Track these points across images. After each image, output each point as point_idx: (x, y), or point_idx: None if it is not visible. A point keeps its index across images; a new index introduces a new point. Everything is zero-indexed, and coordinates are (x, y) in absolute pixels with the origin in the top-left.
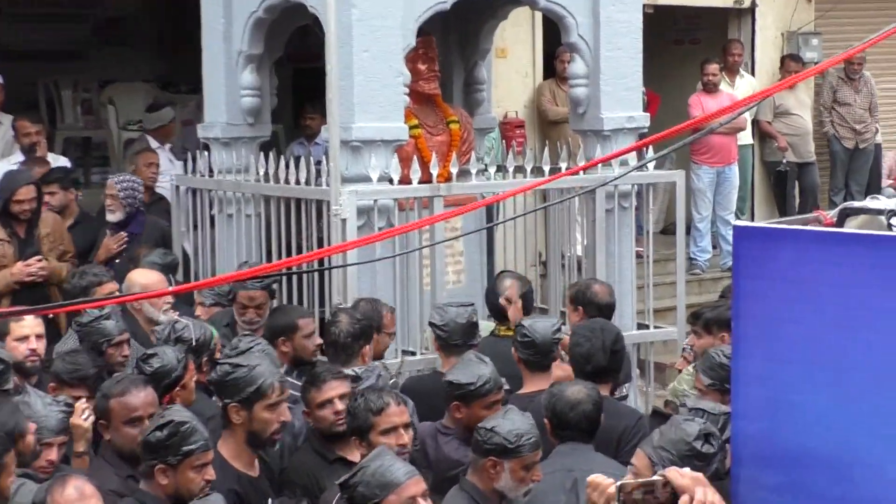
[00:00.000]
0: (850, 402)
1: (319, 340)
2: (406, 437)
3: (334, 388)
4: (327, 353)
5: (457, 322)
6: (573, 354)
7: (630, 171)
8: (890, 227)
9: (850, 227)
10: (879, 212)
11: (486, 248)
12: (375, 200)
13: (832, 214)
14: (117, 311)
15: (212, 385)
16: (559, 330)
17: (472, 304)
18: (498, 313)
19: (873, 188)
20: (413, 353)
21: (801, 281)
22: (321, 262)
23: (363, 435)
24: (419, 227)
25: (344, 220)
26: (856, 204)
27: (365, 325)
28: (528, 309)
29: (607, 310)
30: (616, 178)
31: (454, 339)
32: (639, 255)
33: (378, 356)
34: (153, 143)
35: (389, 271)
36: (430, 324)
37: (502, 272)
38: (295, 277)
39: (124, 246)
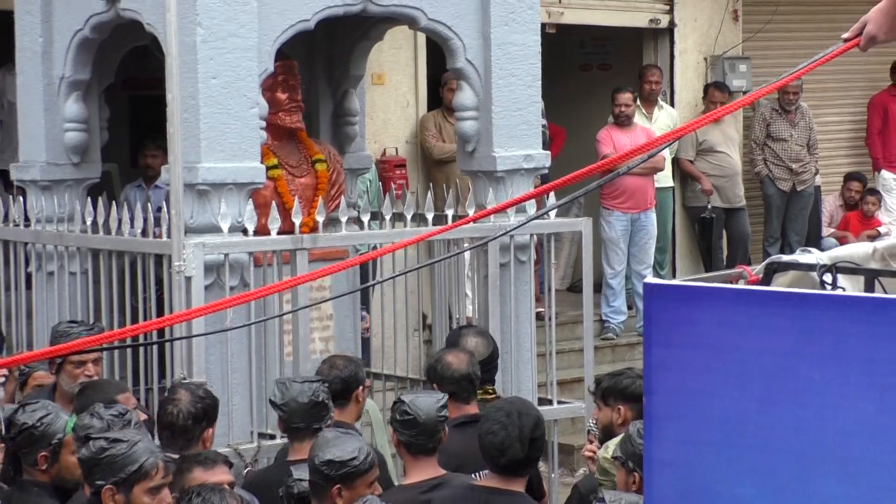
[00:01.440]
0: (778, 492)
1: (144, 416)
2: None
3: (224, 473)
4: (161, 437)
5: (298, 402)
6: (484, 444)
7: (529, 221)
8: (822, 284)
9: (778, 284)
10: (811, 267)
11: (360, 310)
12: (226, 255)
13: (758, 270)
14: None
15: (82, 464)
16: (444, 407)
17: (320, 381)
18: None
19: (813, 237)
20: (272, 437)
21: (722, 348)
22: (161, 331)
23: None
24: (280, 290)
25: (188, 279)
26: (784, 258)
27: (209, 404)
28: (490, 374)
29: (465, 382)
30: (513, 230)
31: (294, 421)
32: (539, 317)
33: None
34: None
35: (244, 339)
36: (271, 402)
37: (463, 328)
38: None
39: None
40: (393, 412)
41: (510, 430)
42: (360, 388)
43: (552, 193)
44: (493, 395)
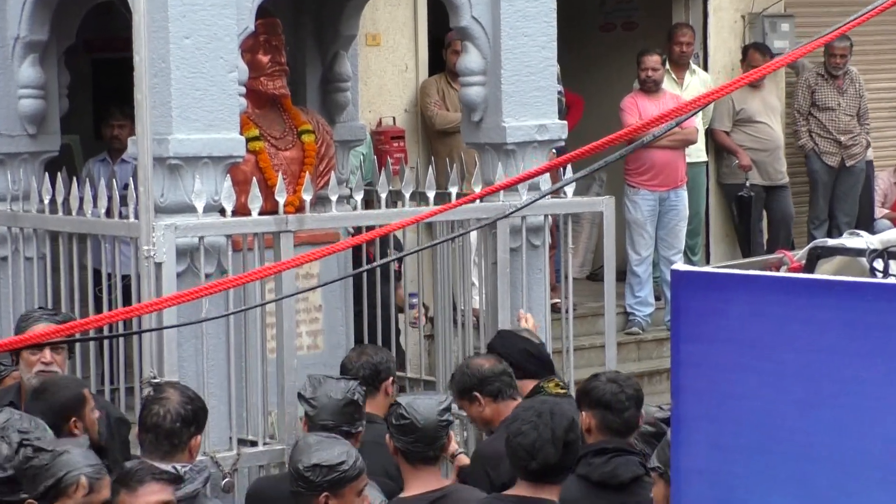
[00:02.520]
0: (818, 502)
1: (98, 413)
2: None
3: (153, 493)
4: (143, 442)
5: (330, 397)
6: (512, 447)
7: (541, 198)
8: (873, 271)
9: (823, 271)
10: (860, 252)
11: (353, 301)
12: (201, 238)
13: (800, 256)
14: None
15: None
16: (448, 410)
17: (358, 381)
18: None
19: (864, 218)
20: (254, 443)
21: (758, 344)
22: (127, 323)
23: None
24: (262, 277)
25: (159, 265)
26: (830, 242)
27: (199, 408)
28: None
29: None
30: (522, 206)
31: (322, 418)
32: (555, 309)
33: None
34: None
35: (221, 333)
36: (299, 395)
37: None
38: (92, 342)
39: None
40: (389, 416)
41: (542, 430)
42: (390, 379)
43: (569, 168)
44: (565, 391)
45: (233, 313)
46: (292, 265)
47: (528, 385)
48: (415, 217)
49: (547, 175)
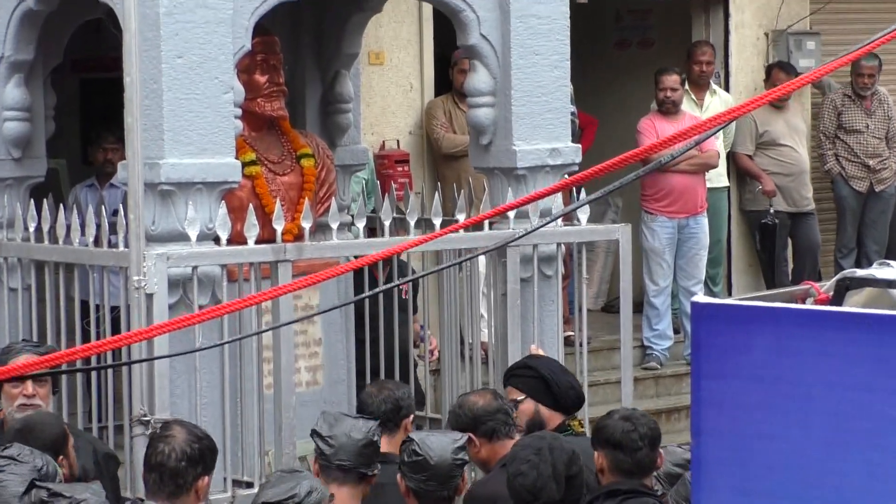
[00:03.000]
0: None
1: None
2: None
3: None
4: (146, 481)
5: (350, 436)
6: (514, 489)
7: (550, 222)
8: None
9: (852, 303)
10: (890, 284)
11: (354, 334)
12: (194, 268)
13: (827, 287)
14: None
15: None
16: (463, 449)
17: (376, 421)
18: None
19: (895, 247)
20: (249, 485)
21: (784, 380)
22: (116, 354)
23: None
24: (257, 302)
25: (150, 296)
26: (859, 272)
27: (207, 447)
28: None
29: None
30: (529, 232)
31: (340, 458)
32: (569, 342)
33: None
34: None
35: (216, 369)
36: (313, 433)
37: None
38: (80, 374)
39: None
40: (401, 454)
41: (542, 468)
42: (411, 416)
43: (581, 190)
44: (583, 430)
45: (228, 342)
46: (290, 290)
47: (556, 419)
48: (413, 241)
49: (560, 202)
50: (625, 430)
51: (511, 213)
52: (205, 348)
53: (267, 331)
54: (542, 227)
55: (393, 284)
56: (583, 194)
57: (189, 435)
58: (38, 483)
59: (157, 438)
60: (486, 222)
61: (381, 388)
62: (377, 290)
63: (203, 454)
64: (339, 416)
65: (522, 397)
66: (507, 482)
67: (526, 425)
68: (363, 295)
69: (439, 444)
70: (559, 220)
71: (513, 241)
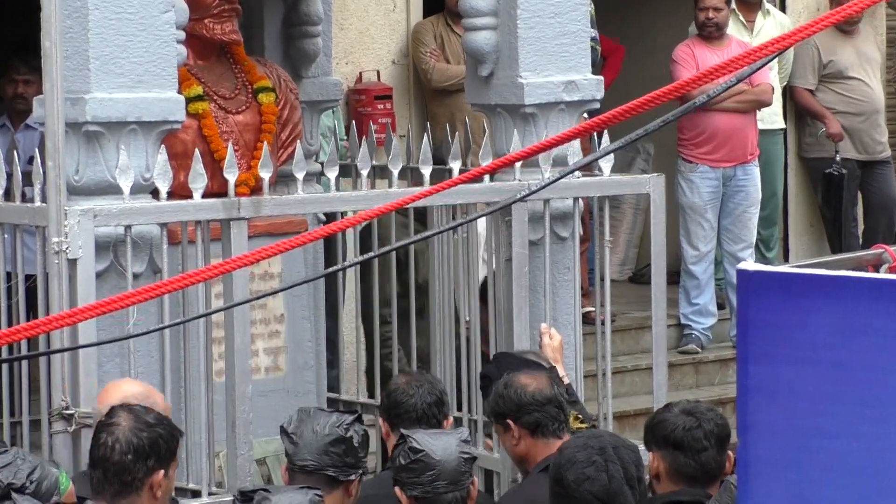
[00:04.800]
0: None
1: None
2: None
3: None
4: (91, 478)
5: (316, 433)
6: (579, 498)
7: (565, 176)
8: None
9: None
10: None
11: (326, 309)
12: (128, 227)
13: None
14: None
15: None
16: (468, 442)
17: (358, 415)
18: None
19: None
20: (196, 494)
21: (852, 366)
22: (32, 340)
23: None
24: (208, 278)
25: (73, 262)
26: None
27: (160, 435)
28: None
29: (552, 408)
30: (541, 187)
31: (301, 457)
32: (588, 320)
33: None
34: None
35: (155, 352)
36: (282, 430)
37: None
38: None
39: None
40: (394, 457)
41: (612, 470)
42: (448, 420)
43: (605, 137)
44: (588, 427)
45: (168, 326)
46: (247, 262)
47: None
48: (402, 200)
49: (577, 147)
50: (687, 426)
51: (546, 166)
52: (140, 334)
53: (218, 311)
54: (556, 181)
55: (375, 254)
56: (605, 139)
57: (136, 422)
58: (14, 491)
59: (100, 428)
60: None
61: (413, 379)
62: (359, 259)
63: (155, 444)
64: (315, 412)
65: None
66: (560, 492)
67: None
68: (333, 269)
69: (440, 438)
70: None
71: (520, 198)
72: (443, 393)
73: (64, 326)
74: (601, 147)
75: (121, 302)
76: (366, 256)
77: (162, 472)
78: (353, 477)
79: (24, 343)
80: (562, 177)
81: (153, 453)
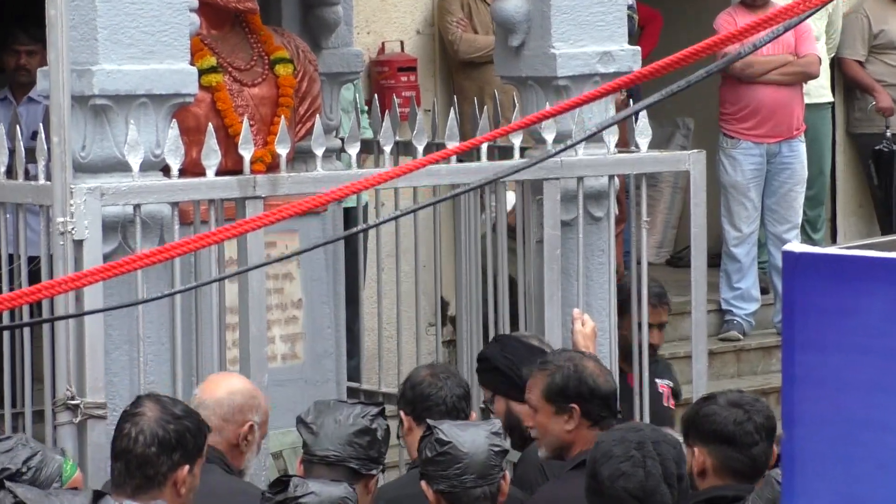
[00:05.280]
0: None
1: None
2: None
3: None
4: (112, 471)
5: (339, 422)
6: (613, 496)
7: (567, 149)
8: None
9: None
10: None
11: (346, 293)
12: (137, 206)
13: None
14: None
15: None
16: (499, 435)
17: (382, 407)
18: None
19: None
20: None
21: None
22: (34, 308)
23: None
24: (220, 240)
25: (79, 243)
26: None
27: (187, 428)
28: None
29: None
30: (536, 162)
31: (323, 447)
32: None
33: None
34: None
35: (164, 339)
36: (299, 420)
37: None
38: None
39: None
40: (421, 450)
41: (650, 466)
42: (473, 414)
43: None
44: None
45: (180, 291)
46: (264, 223)
47: None
48: (411, 165)
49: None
50: (738, 419)
51: (550, 136)
52: (150, 300)
53: (231, 276)
54: (557, 154)
55: (384, 220)
56: (643, 118)
57: (163, 413)
58: (8, 479)
59: (124, 418)
60: (484, 150)
61: (437, 371)
62: (370, 225)
63: (182, 437)
64: (334, 404)
65: (490, 395)
66: (595, 488)
67: (506, 428)
68: (342, 235)
69: (468, 429)
70: (610, 145)
71: (506, 175)
72: (468, 386)
73: (68, 290)
74: (638, 125)
75: (128, 265)
76: (388, 218)
77: (187, 467)
78: (374, 472)
79: (26, 332)
80: (563, 150)
81: (179, 447)
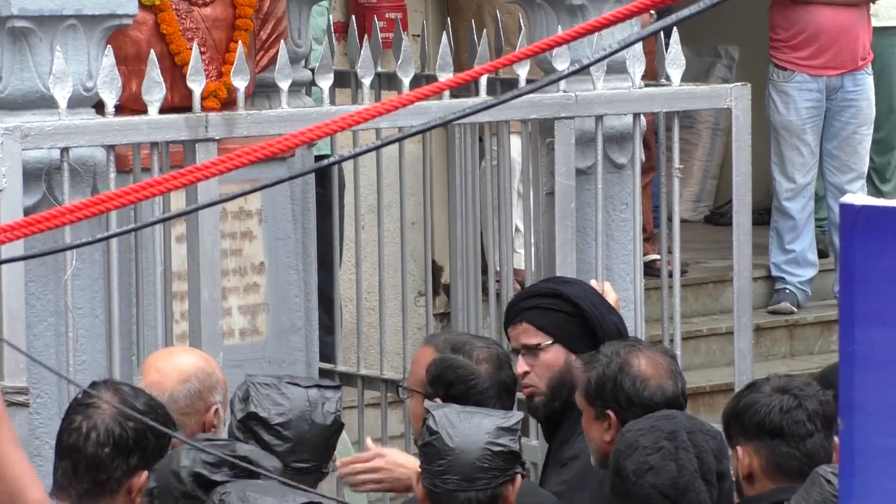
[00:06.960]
0: None
1: None
2: None
3: None
4: (55, 473)
5: (311, 421)
6: (641, 492)
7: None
8: None
9: None
10: None
11: (318, 255)
12: (65, 150)
13: None
14: None
15: None
16: (510, 432)
17: (340, 387)
18: None
19: None
20: None
21: None
22: None
23: None
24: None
25: None
26: None
27: (147, 425)
28: None
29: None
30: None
31: (300, 455)
32: (652, 271)
33: None
34: None
35: (98, 309)
36: (252, 416)
37: None
38: None
39: None
40: (418, 439)
41: (682, 459)
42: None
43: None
44: None
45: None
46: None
47: None
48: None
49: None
50: (785, 407)
51: (562, 67)
52: (75, 246)
53: (181, 214)
54: (559, 79)
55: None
56: (675, 40)
57: (121, 404)
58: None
59: (75, 409)
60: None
61: (472, 349)
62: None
63: (142, 438)
64: (284, 386)
65: (548, 341)
66: (619, 485)
67: (548, 385)
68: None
69: (470, 419)
70: (635, 77)
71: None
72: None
73: None
74: (670, 53)
75: (53, 221)
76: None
77: (146, 473)
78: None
79: None
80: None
81: (138, 449)
